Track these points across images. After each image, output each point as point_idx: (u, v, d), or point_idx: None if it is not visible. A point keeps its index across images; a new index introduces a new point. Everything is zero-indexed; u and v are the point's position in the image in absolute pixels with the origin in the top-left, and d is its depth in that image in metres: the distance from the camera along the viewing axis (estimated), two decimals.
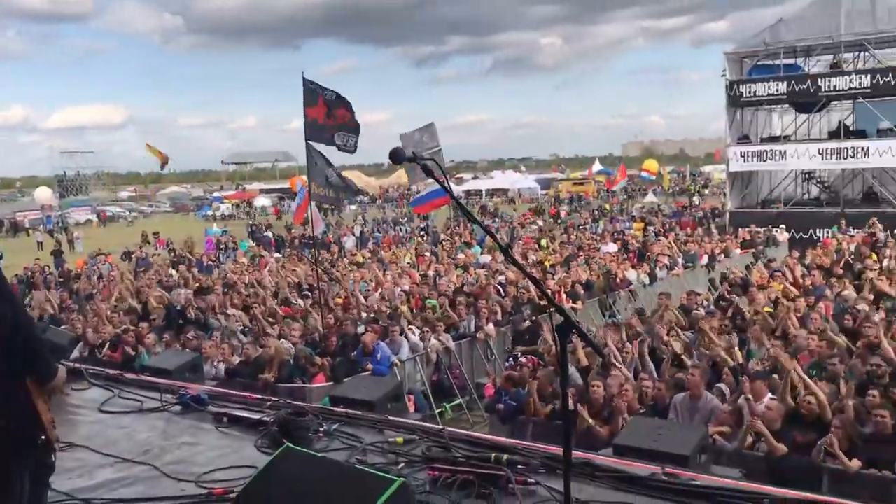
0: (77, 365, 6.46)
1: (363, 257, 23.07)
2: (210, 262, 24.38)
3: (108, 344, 11.72)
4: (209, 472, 4.07)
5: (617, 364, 8.86)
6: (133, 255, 29.39)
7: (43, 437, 2.66)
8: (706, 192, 52.65)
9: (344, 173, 14.74)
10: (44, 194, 68.63)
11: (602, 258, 19.21)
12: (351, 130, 12.22)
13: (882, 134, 26.96)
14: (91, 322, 12.96)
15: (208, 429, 4.87)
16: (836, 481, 6.56)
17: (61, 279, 22.36)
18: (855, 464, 6.56)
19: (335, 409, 5.09)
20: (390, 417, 4.85)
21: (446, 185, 2.58)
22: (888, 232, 21.11)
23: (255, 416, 4.87)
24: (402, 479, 3.09)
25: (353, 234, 33.23)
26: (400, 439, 4.33)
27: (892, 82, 25.87)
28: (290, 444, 3.61)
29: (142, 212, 69.40)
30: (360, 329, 11.85)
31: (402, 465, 3.95)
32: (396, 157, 2.54)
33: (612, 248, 22.12)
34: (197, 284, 17.25)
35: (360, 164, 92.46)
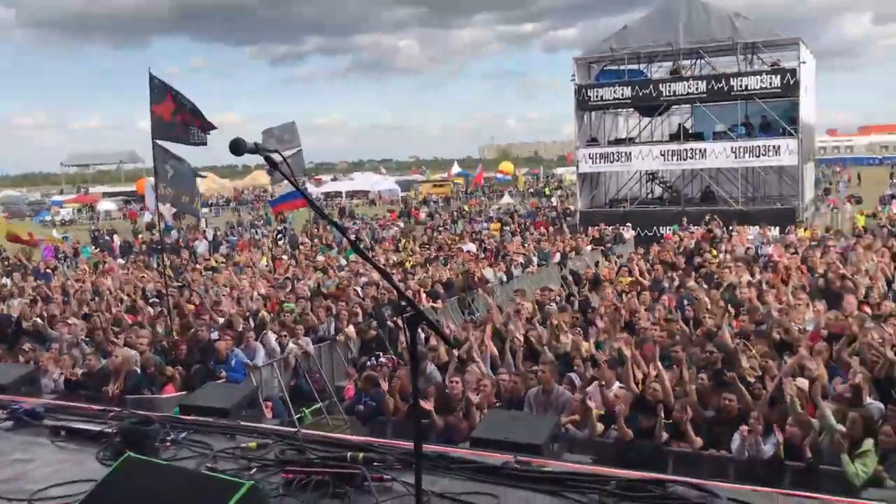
0: None
1: (217, 261, 22.32)
2: (48, 270, 22.83)
3: None
4: (44, 489, 3.78)
5: (476, 359, 9.02)
6: None
7: None
8: (559, 192, 54.59)
9: (196, 176, 14.13)
10: None
11: (461, 258, 19.53)
12: (198, 130, 11.81)
13: (717, 136, 28.95)
14: None
15: (44, 444, 4.53)
16: (679, 463, 6.96)
17: None
18: (699, 441, 6.99)
19: (184, 417, 4.87)
20: (243, 423, 4.69)
21: (293, 179, 2.50)
22: (724, 228, 22.68)
23: (97, 428, 4.58)
24: (252, 482, 2.99)
25: (206, 239, 32.09)
26: (253, 444, 4.20)
27: (726, 88, 27.83)
28: (132, 454, 3.41)
29: None
30: (215, 335, 11.44)
31: (254, 469, 3.83)
32: (237, 148, 2.43)
33: (471, 247, 22.53)
34: (34, 293, 16.11)
35: (214, 166, 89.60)
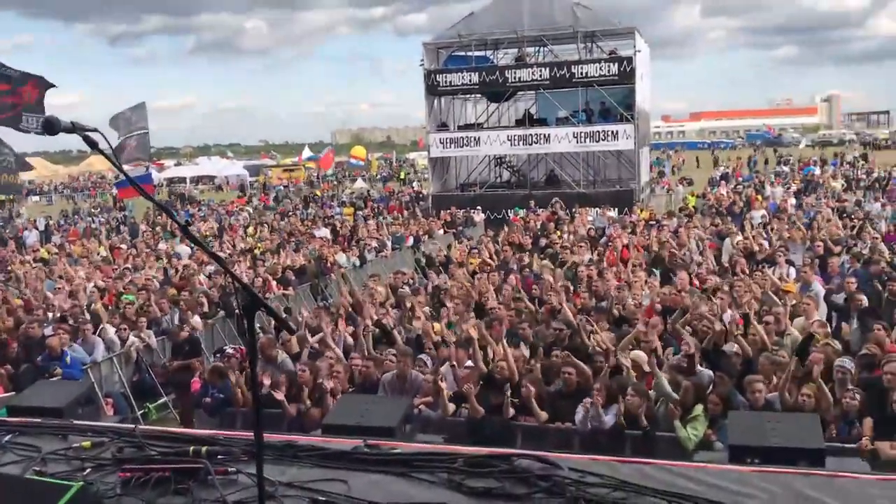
0: None
1: (49, 252, 20.86)
2: None
3: None
4: None
5: (329, 345, 8.93)
6: None
7: None
8: (413, 177, 54.90)
9: (28, 160, 13.13)
10: None
11: (314, 243, 19.26)
12: (36, 111, 11.02)
13: (560, 122, 30.03)
14: None
15: None
16: (527, 437, 7.20)
17: None
18: (543, 415, 7.25)
19: (8, 419, 4.52)
20: (76, 422, 4.41)
21: (113, 160, 2.34)
22: (567, 210, 23.61)
23: None
24: (82, 482, 2.82)
25: (37, 228, 29.92)
26: (87, 443, 3.96)
27: (567, 75, 28.86)
28: None
29: None
30: (48, 331, 10.70)
31: (88, 470, 3.61)
32: (51, 127, 2.24)
33: (325, 232, 22.26)
34: None
35: (45, 151, 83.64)
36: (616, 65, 28.54)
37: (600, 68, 28.68)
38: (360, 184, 52.25)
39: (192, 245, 18.16)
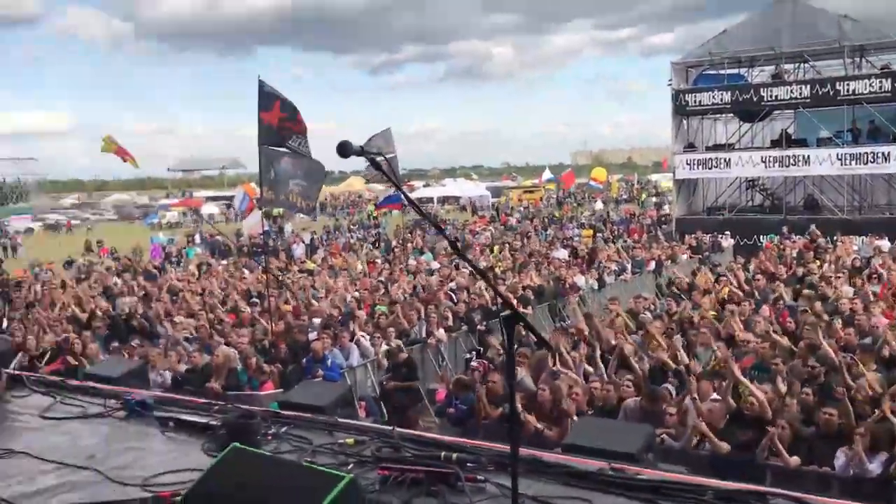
0: (18, 372, 6.29)
1: (313, 264, 22.91)
2: (155, 270, 23.94)
3: (48, 353, 11.43)
4: (155, 476, 3.99)
5: (567, 367, 8.96)
6: (75, 264, 28.70)
7: None
8: (654, 199, 53.54)
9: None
10: None
11: (552, 264, 19.42)
12: (303, 137, 12.20)
13: (821, 143, 27.79)
14: (31, 330, 12.63)
15: (154, 433, 4.78)
16: (777, 478, 6.73)
17: (1, 288, 21.71)
18: (794, 460, 6.74)
19: (284, 412, 5.04)
20: (340, 420, 4.82)
21: (395, 179, 2.58)
22: (827, 238, 21.75)
23: (203, 420, 4.80)
24: (351, 476, 3.08)
25: (303, 242, 32.98)
26: (350, 440, 4.31)
27: (831, 93, 26.70)
28: (238, 444, 3.56)
29: (85, 220, 67.75)
30: (312, 336, 11.76)
31: (351, 464, 3.94)
32: (344, 150, 2.53)
33: (563, 254, 22.37)
34: (143, 292, 16.93)
35: None
36: (890, 80, 25.93)
37: (870, 84, 26.20)
38: (599, 205, 51.84)
39: (463, 261, 19.04)
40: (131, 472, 4.13)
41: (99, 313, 14.22)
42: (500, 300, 2.60)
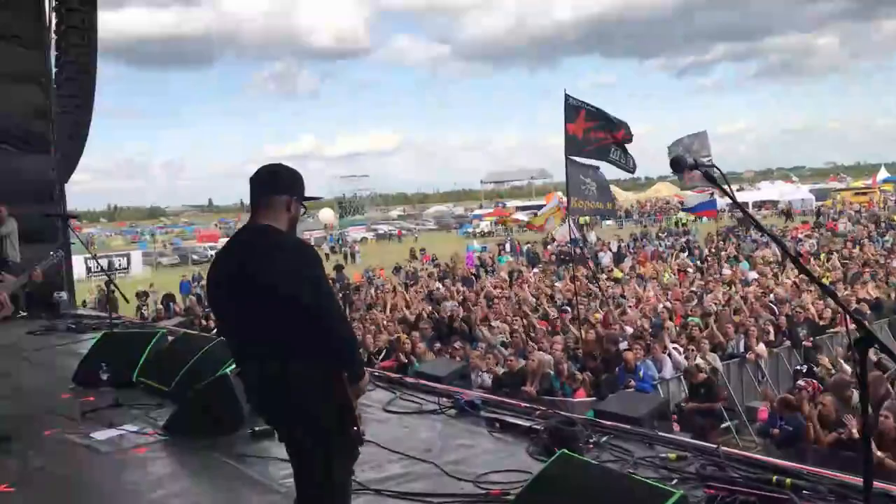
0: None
1: (620, 273, 22.75)
2: (471, 276, 25.39)
3: (383, 351, 12.67)
4: (485, 474, 4.27)
5: None
6: (402, 270, 31.46)
7: (355, 428, 2.97)
8: None
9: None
10: (326, 215, 75.54)
11: (892, 274, 17.31)
12: (622, 148, 12.25)
13: None
14: (369, 330, 14.07)
15: (482, 433, 5.11)
16: None
17: (343, 291, 24.49)
18: None
19: (603, 421, 5.10)
20: (660, 433, 4.77)
21: (730, 190, 2.52)
22: None
23: (526, 424, 5.03)
24: (682, 492, 3.05)
25: (610, 250, 32.85)
26: (672, 455, 4.25)
27: None
28: (566, 451, 3.68)
29: (410, 230, 73.86)
30: (623, 345, 11.70)
31: (675, 480, 3.88)
32: (678, 165, 2.53)
33: None
34: (462, 297, 18.06)
35: (617, 179, 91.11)
36: None
37: None
38: None
39: (798, 269, 17.90)
40: (464, 468, 4.45)
41: (425, 315, 15.44)
42: (847, 318, 2.41)
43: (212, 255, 53.15)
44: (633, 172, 12.29)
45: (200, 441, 5.20)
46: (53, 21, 15.23)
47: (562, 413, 5.35)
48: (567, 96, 12.23)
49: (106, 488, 4.54)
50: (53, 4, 15.29)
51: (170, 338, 7.85)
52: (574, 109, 12.19)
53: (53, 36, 15.22)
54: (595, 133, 12.20)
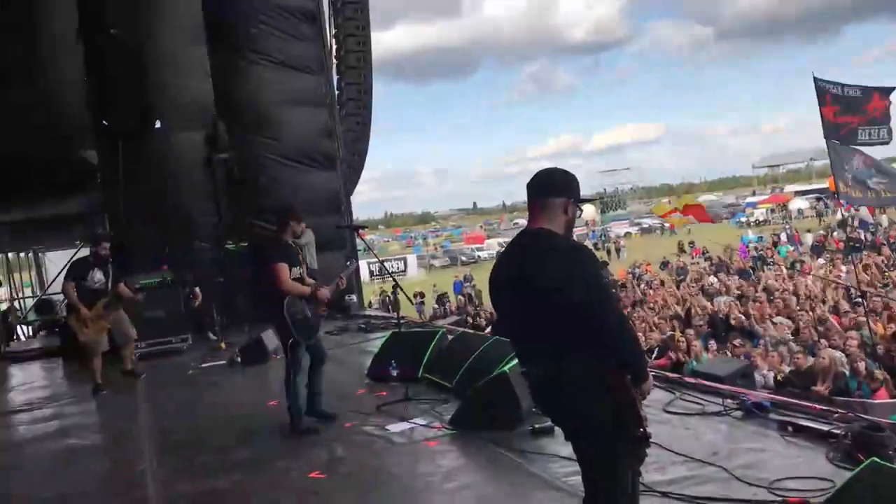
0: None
1: None
2: (747, 269, 23.90)
3: (655, 350, 12.34)
4: (780, 480, 4.01)
5: None
6: (670, 264, 30.44)
7: (641, 430, 2.93)
8: None
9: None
10: (588, 212, 75.24)
11: None
12: (879, 122, 10.99)
13: None
14: (639, 328, 13.79)
15: (773, 436, 4.80)
16: None
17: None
18: None
19: None
20: None
21: None
22: None
23: (824, 427, 4.64)
24: None
25: None
26: None
27: None
28: (876, 459, 3.34)
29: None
30: None
31: None
32: None
33: None
34: (738, 291, 17.09)
35: None
36: None
37: None
38: None
39: None
40: (755, 472, 4.21)
41: (698, 311, 14.82)
42: None
43: (478, 257, 55.35)
44: (888, 142, 10.93)
45: (483, 436, 5.43)
46: (334, 47, 16.80)
47: (864, 417, 4.85)
48: (815, 80, 11.25)
49: (404, 478, 4.89)
50: (333, 32, 16.85)
51: (449, 336, 8.29)
52: (823, 92, 11.20)
53: (335, 61, 16.75)
54: (841, 117, 11.13)
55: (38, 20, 12.81)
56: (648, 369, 3.09)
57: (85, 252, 10.76)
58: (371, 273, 38.68)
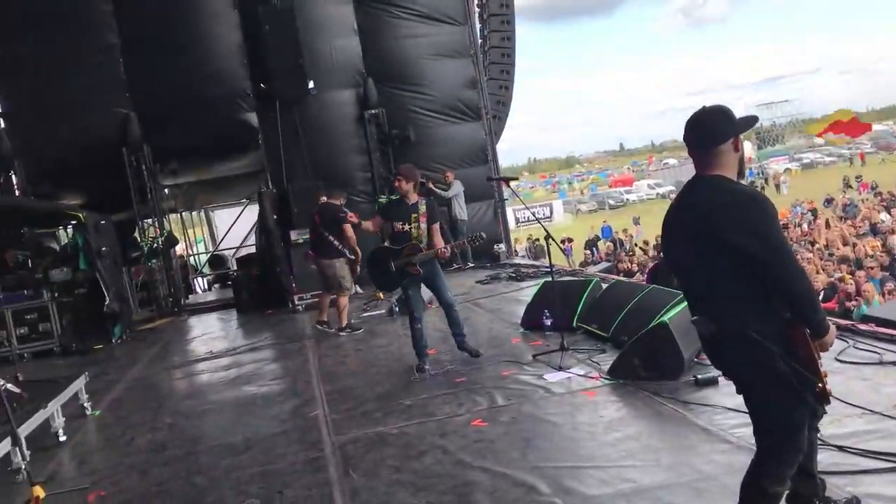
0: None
1: None
2: None
3: (821, 293, 11.71)
4: None
5: None
6: (835, 201, 28.54)
7: (821, 385, 2.83)
8: None
9: None
10: (745, 148, 71.31)
11: None
12: None
13: None
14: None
15: None
16: None
17: None
18: None
19: None
20: None
21: None
22: None
23: None
24: None
25: None
26: None
27: None
28: None
29: (841, 156, 66.38)
30: None
31: None
32: None
33: None
34: None
35: None
36: None
37: None
38: None
39: None
40: None
41: (870, 252, 13.89)
42: None
43: (627, 199, 54.03)
44: None
45: (645, 387, 5.40)
46: None
47: None
48: None
49: (565, 427, 4.95)
50: None
51: (603, 285, 8.22)
52: None
53: (476, 10, 16.66)
54: None
55: None
56: (829, 320, 2.96)
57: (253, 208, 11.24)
58: (517, 220, 38.68)
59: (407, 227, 6.68)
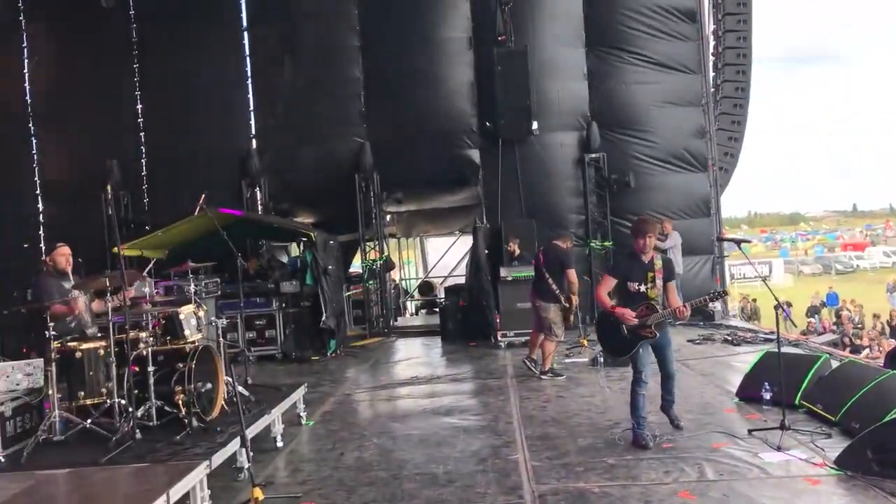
0: None
1: None
2: None
3: None
4: None
5: None
6: None
7: None
8: None
9: None
10: None
11: None
12: None
13: None
14: None
15: None
16: None
17: None
18: None
19: None
20: None
21: None
22: None
23: None
24: None
25: None
26: None
27: None
28: None
29: None
30: None
31: None
32: None
33: None
34: None
35: None
36: None
37: None
38: None
39: None
40: None
41: None
42: None
43: (857, 266, 49.61)
44: None
45: (879, 484, 4.88)
46: (712, 43, 16.20)
47: None
48: None
49: None
50: (712, 28, 16.25)
51: (833, 363, 7.57)
52: None
53: (711, 58, 16.15)
54: None
55: (439, 32, 14.22)
56: None
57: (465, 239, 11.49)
58: (731, 276, 36.72)
59: (643, 287, 6.24)
